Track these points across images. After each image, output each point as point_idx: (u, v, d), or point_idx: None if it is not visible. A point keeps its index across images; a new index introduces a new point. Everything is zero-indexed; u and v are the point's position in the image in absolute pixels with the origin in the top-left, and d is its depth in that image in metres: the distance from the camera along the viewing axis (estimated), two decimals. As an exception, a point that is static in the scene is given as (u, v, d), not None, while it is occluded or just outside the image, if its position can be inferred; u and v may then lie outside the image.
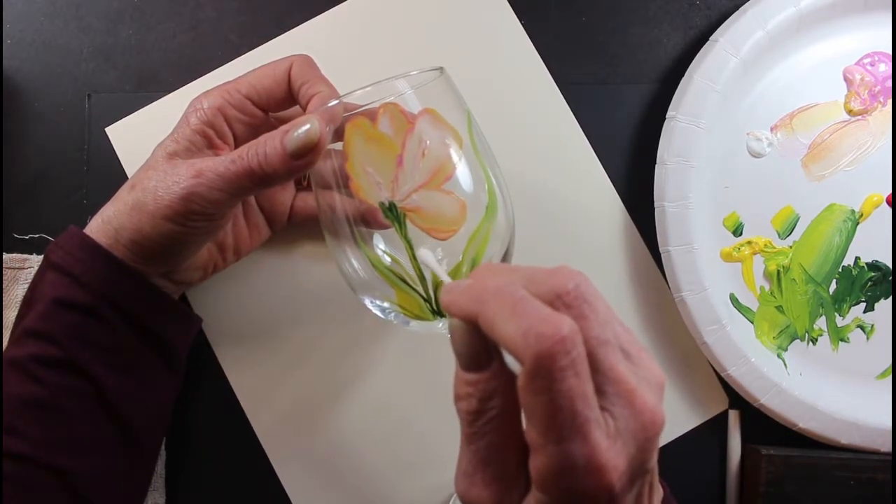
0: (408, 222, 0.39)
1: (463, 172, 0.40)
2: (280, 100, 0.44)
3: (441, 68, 0.41)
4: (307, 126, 0.38)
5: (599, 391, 0.28)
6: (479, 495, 0.29)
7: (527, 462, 0.29)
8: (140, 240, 0.41)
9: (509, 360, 0.28)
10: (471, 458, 0.30)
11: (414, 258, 0.40)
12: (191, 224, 0.41)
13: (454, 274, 0.40)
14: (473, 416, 0.29)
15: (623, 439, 0.27)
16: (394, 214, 0.39)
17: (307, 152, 0.39)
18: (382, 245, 0.40)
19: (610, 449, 0.27)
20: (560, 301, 0.28)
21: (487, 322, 0.28)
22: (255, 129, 0.44)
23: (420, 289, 0.40)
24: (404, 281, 0.40)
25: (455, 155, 0.40)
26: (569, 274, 0.29)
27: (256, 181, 0.39)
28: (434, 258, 0.39)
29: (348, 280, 0.42)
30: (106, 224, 0.42)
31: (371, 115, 0.39)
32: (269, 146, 0.39)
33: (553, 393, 0.26)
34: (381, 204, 0.39)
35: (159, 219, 0.40)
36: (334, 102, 0.40)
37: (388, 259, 0.40)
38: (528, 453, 0.29)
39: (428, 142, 0.39)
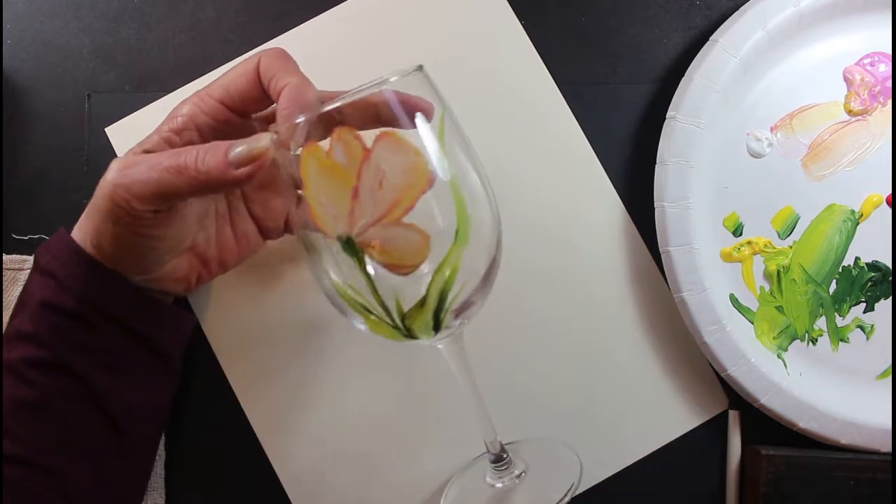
0: (366, 257, 0.37)
1: (426, 200, 0.37)
2: (256, 99, 0.42)
3: (420, 66, 0.39)
4: (257, 143, 0.38)
5: None
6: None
7: None
8: (101, 243, 0.41)
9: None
10: None
11: (375, 292, 0.37)
12: (125, 224, 0.39)
13: (419, 306, 0.38)
14: None
15: None
16: (352, 249, 0.37)
17: (248, 162, 0.38)
18: (338, 277, 0.38)
19: None
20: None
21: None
22: (227, 137, 0.41)
23: (388, 321, 0.38)
24: (369, 311, 0.38)
25: (417, 182, 0.36)
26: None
27: (189, 181, 0.38)
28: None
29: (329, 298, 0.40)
30: (84, 225, 0.41)
31: (335, 119, 0.36)
32: (212, 149, 0.38)
33: None
34: (339, 238, 0.37)
35: (102, 218, 0.39)
36: (305, 112, 0.38)
37: (350, 291, 0.38)
38: None
39: (386, 170, 0.36)
